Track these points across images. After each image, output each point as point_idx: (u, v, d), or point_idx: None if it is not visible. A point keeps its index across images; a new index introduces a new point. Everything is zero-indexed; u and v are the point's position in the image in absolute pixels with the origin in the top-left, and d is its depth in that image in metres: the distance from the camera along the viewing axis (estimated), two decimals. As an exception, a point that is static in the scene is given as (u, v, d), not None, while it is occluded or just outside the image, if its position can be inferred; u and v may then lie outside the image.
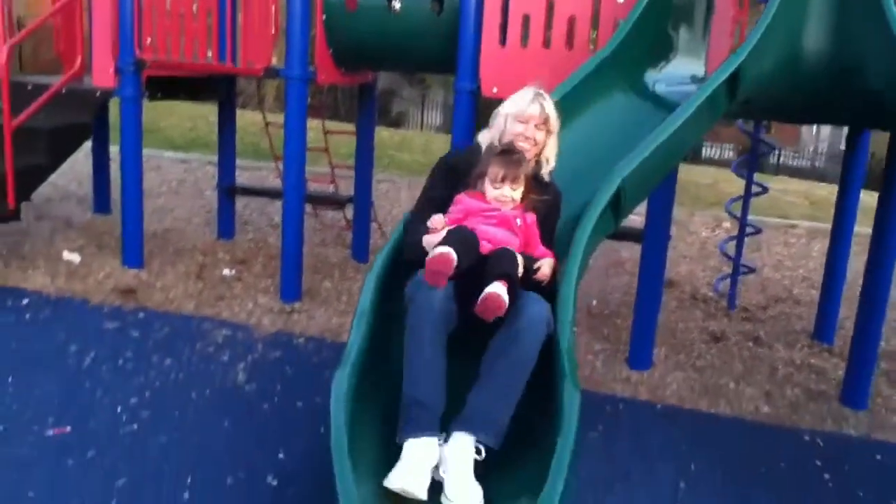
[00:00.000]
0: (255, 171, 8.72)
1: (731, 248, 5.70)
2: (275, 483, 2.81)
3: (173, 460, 2.90)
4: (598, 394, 3.87)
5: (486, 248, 2.48)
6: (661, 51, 3.83)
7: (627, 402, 3.83)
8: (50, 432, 3.01)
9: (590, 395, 3.81)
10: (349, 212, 6.36)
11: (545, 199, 2.72)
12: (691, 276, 6.42)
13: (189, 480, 2.77)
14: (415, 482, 2.14)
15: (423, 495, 2.13)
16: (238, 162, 6.50)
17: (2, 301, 4.36)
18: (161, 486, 2.72)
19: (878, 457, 3.48)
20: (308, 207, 6.53)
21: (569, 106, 3.19)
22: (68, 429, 3.04)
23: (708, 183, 11.40)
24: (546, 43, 4.19)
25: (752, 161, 5.39)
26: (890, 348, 4.95)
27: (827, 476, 3.24)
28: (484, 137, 2.88)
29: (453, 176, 2.79)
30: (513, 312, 2.38)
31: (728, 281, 5.66)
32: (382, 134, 13.33)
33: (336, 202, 6.38)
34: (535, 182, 2.73)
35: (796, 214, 9.74)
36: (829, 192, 10.79)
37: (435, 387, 2.33)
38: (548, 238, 2.74)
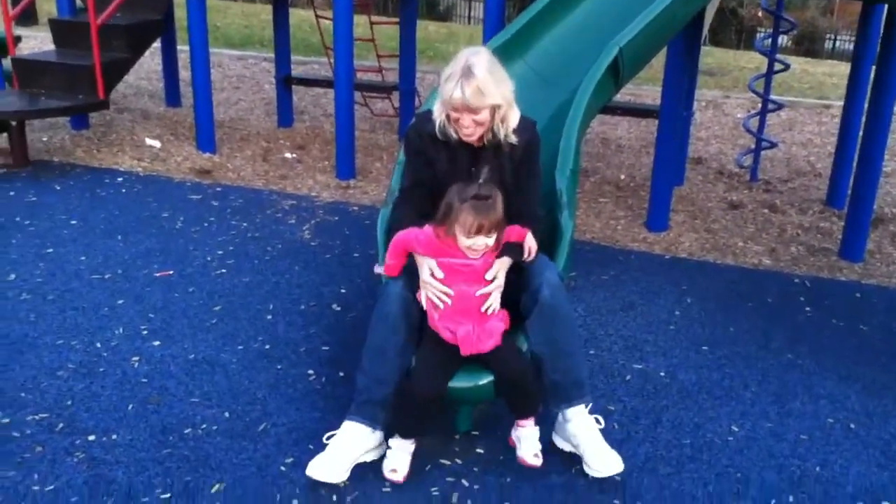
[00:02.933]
0: (308, 66, 9.22)
1: (755, 124, 6.04)
2: (338, 309, 3.49)
3: (256, 293, 3.59)
4: (614, 248, 4.42)
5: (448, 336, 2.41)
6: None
7: (640, 254, 4.37)
8: (157, 274, 3.72)
9: (606, 249, 4.40)
10: (396, 101, 6.86)
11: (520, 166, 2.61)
12: (720, 154, 6.77)
13: (271, 307, 3.47)
14: (335, 472, 2.35)
15: (341, 480, 2.36)
16: (292, 57, 7.01)
17: (101, 179, 5.08)
18: (249, 310, 3.42)
19: (858, 295, 3.98)
20: (359, 98, 7.06)
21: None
22: (171, 272, 3.75)
23: (752, 67, 11.45)
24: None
25: (773, 38, 5.67)
26: (897, 213, 5.34)
27: (808, 309, 3.76)
28: (437, 111, 2.58)
29: (422, 154, 2.65)
30: (528, 284, 2.48)
31: (751, 156, 6.03)
32: (429, 27, 13.59)
33: (383, 89, 6.87)
34: (499, 151, 2.58)
35: (836, 96, 9.84)
36: (874, 73, 10.77)
37: (390, 376, 2.44)
38: (531, 185, 2.66)
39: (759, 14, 15.11)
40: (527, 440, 2.49)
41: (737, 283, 4.04)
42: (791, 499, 2.40)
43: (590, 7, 3.76)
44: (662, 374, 3.09)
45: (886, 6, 4.18)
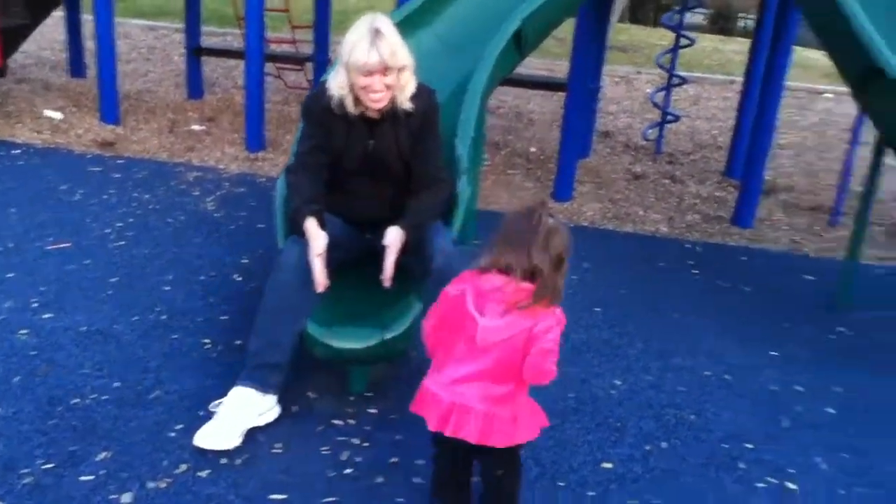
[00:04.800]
0: (222, 37, 9.03)
1: (662, 99, 6.23)
2: (239, 279, 3.48)
3: (156, 264, 3.55)
4: (518, 217, 4.52)
5: None
6: None
7: (543, 222, 4.48)
8: (50, 247, 3.64)
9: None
10: (310, 72, 6.80)
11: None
12: (628, 128, 6.97)
13: (170, 277, 3.44)
14: (224, 439, 2.35)
15: (231, 447, 2.35)
16: (204, 29, 6.86)
17: (-5, 151, 4.91)
18: (146, 282, 3.39)
19: (744, 258, 4.19)
20: (273, 69, 6.97)
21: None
22: (68, 244, 3.67)
23: (665, 44, 11.75)
24: None
25: (681, 15, 5.85)
26: (791, 182, 5.61)
27: (696, 272, 3.95)
28: (333, 85, 2.57)
29: (322, 126, 2.63)
30: (420, 249, 2.53)
31: (656, 129, 6.23)
32: (350, 0, 13.44)
33: (296, 60, 6.81)
34: (396, 122, 2.60)
35: (741, 73, 10.20)
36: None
37: (284, 340, 2.46)
38: (431, 150, 2.67)
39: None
40: None
41: (633, 249, 4.20)
42: (664, 444, 2.55)
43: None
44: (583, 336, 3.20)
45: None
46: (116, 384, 2.66)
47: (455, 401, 1.91)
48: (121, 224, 3.95)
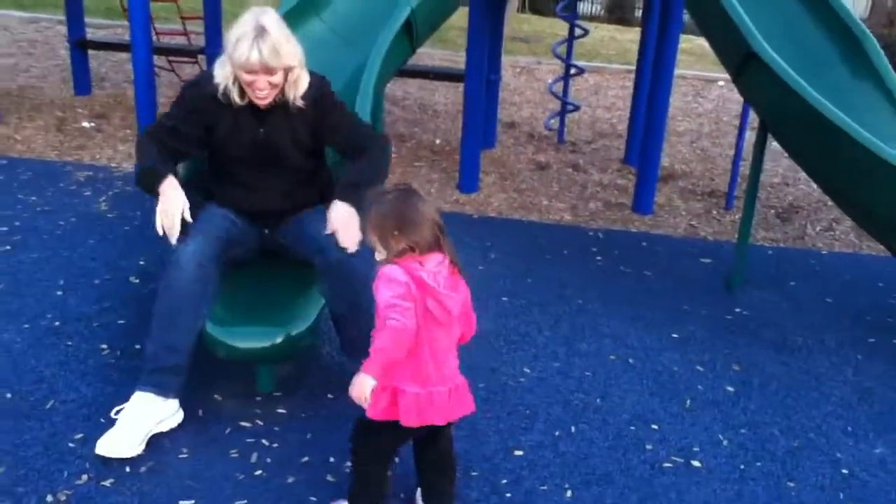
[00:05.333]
0: (111, 30, 8.64)
1: (560, 89, 6.35)
2: (136, 281, 3.35)
3: (46, 269, 3.37)
4: (425, 209, 4.53)
5: None
6: None
7: (450, 214, 4.50)
8: (-72, 254, 3.40)
9: (417, 210, 4.49)
10: (205, 65, 6.59)
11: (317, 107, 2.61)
12: (531, 118, 7.06)
13: (61, 282, 3.27)
14: (127, 446, 2.27)
15: (134, 454, 2.28)
16: (91, 20, 6.55)
17: None
18: (36, 287, 3.21)
19: (644, 244, 4.32)
20: (166, 63, 6.73)
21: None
22: (-55, 251, 3.44)
23: (565, 34, 11.99)
24: None
25: (574, 5, 5.97)
26: (688, 169, 5.82)
27: (599, 258, 4.05)
28: (219, 74, 2.51)
29: (198, 114, 2.57)
30: (317, 240, 2.49)
31: (558, 119, 6.35)
32: (246, -7, 13.12)
33: (188, 53, 6.59)
34: (289, 111, 2.57)
35: (639, 63, 10.52)
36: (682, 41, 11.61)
37: (182, 342, 2.39)
38: (349, 121, 2.70)
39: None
40: None
41: (538, 238, 4.26)
42: (573, 429, 2.61)
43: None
44: (464, 324, 3.22)
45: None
46: (8, 395, 2.53)
47: (452, 387, 1.98)
48: (6, 228, 3.73)
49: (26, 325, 2.94)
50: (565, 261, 3.97)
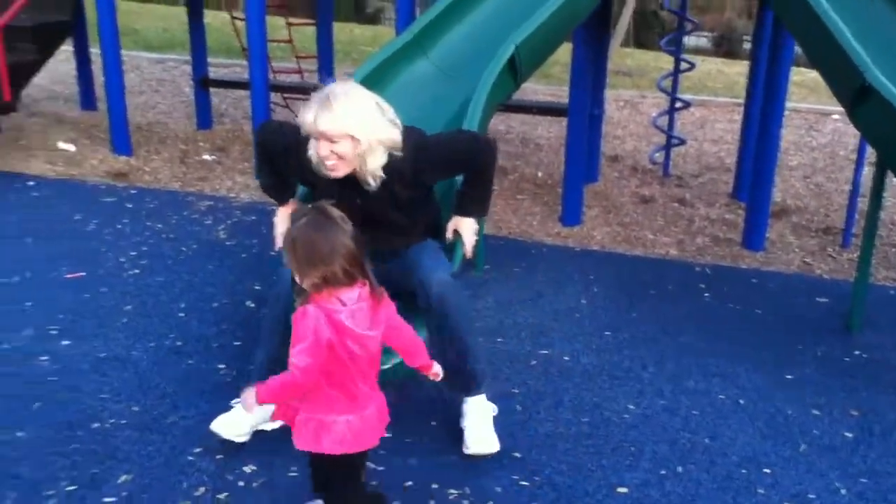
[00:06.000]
0: (230, 68, 9.14)
1: (665, 122, 6.27)
2: (252, 305, 3.52)
3: (169, 291, 3.59)
4: (527, 242, 4.56)
5: None
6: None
7: (552, 247, 4.52)
8: (67, 276, 3.68)
9: (520, 243, 4.53)
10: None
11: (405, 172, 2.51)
12: (635, 151, 7.00)
13: (183, 305, 3.48)
14: (235, 430, 2.52)
15: (240, 439, 2.52)
16: (213, 60, 6.97)
17: (11, 183, 4.98)
18: (161, 309, 3.42)
19: (755, 280, 4.19)
20: (280, 99, 7.06)
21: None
22: (83, 273, 3.71)
23: (669, 68, 11.85)
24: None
25: (678, 38, 5.92)
26: (801, 204, 5.62)
27: (707, 295, 3.95)
28: (312, 146, 2.47)
29: (301, 172, 2.62)
30: (419, 276, 2.52)
31: (663, 152, 6.27)
32: (355, 30, 13.61)
33: (303, 90, 6.89)
34: (386, 180, 2.48)
35: (748, 96, 10.27)
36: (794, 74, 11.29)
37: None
38: (456, 158, 2.63)
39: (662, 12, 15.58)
40: None
41: (642, 272, 4.21)
42: (680, 469, 2.55)
43: (492, 5, 3.89)
44: (566, 358, 3.22)
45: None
46: (135, 409, 2.70)
47: (377, 406, 2.02)
48: (135, 253, 4.00)
49: (152, 344, 3.13)
50: (671, 296, 3.90)
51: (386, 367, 2.45)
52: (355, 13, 18.07)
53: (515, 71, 3.34)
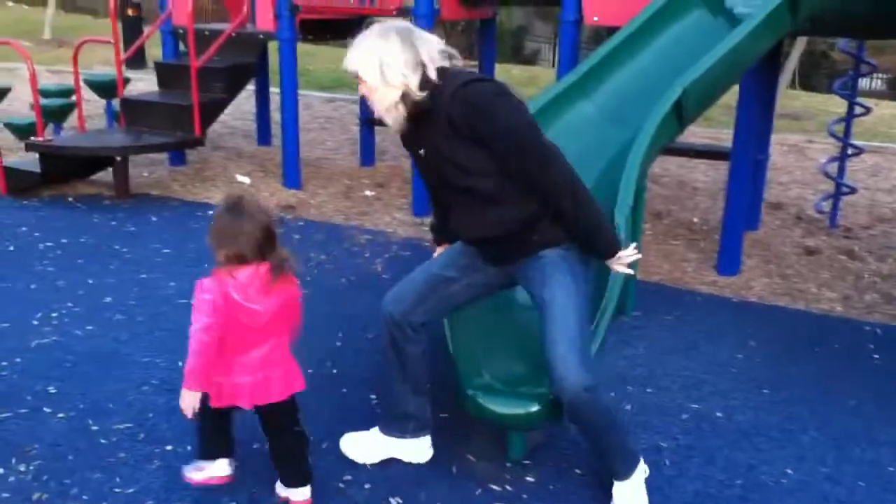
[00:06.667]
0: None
1: (835, 169, 5.94)
2: (404, 339, 3.64)
3: (329, 320, 3.79)
4: (681, 289, 4.44)
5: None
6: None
7: (707, 296, 4.37)
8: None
9: (673, 290, 4.42)
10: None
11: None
12: (800, 199, 6.66)
13: (340, 334, 3.66)
14: (363, 452, 2.70)
15: (366, 462, 2.69)
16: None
17: (193, 212, 5.46)
18: (320, 337, 3.61)
19: (934, 345, 3.87)
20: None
21: (643, 32, 3.70)
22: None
23: (839, 111, 11.20)
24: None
25: (853, 81, 5.61)
26: None
27: (877, 356, 3.68)
28: None
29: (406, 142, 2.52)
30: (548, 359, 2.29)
31: (830, 201, 5.93)
32: (513, 71, 13.86)
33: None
34: (429, 123, 2.30)
35: (931, 142, 9.52)
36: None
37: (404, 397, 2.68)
38: (531, 172, 2.26)
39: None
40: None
41: (805, 328, 3.99)
42: (841, 543, 2.39)
43: (656, 48, 3.88)
44: (719, 414, 3.10)
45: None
46: (293, 432, 2.85)
47: (260, 377, 2.30)
48: (300, 282, 4.24)
49: (310, 370, 3.30)
50: (835, 356, 3.67)
51: (519, 412, 2.48)
52: (513, 54, 18.41)
53: (681, 115, 3.31)
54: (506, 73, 12.68)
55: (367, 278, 4.38)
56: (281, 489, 2.49)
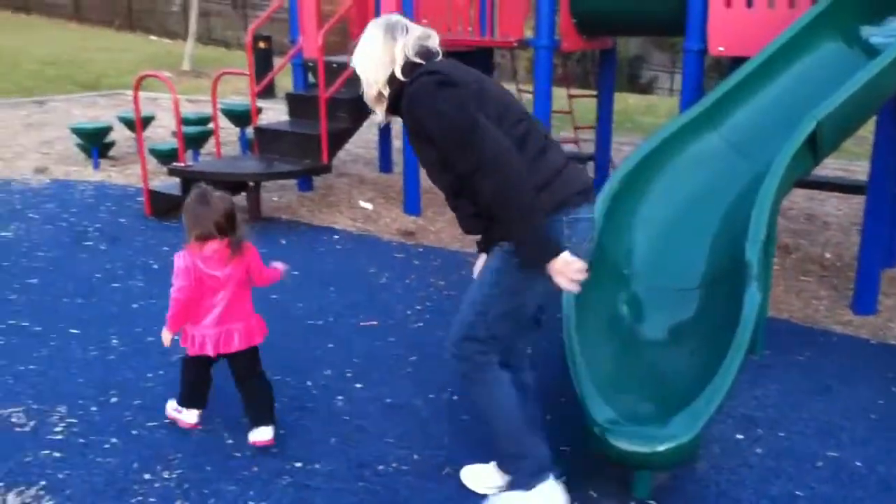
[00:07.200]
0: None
1: None
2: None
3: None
4: (814, 328, 4.24)
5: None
6: (882, 4, 4.02)
7: (842, 336, 4.15)
8: (362, 324, 4.09)
9: (805, 329, 4.23)
10: (591, 172, 7.01)
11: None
12: (946, 235, 6.24)
13: (460, 361, 3.69)
14: (480, 483, 2.71)
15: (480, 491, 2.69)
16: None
17: (319, 236, 5.68)
18: (441, 362, 3.65)
19: None
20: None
21: (773, 62, 3.59)
22: (375, 322, 4.10)
23: None
24: (770, 3, 4.51)
25: None
26: None
27: None
28: None
29: None
30: None
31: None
32: (629, 100, 13.70)
33: (578, 160, 7.06)
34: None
35: None
36: None
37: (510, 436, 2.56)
38: (457, 161, 2.29)
39: None
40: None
41: (954, 375, 3.72)
42: None
43: (786, 80, 3.77)
44: (859, 463, 2.93)
45: None
46: (416, 456, 2.91)
47: (223, 329, 2.89)
48: (420, 307, 4.34)
49: (431, 395, 3.37)
50: None
51: (644, 451, 2.43)
52: (629, 83, 18.20)
53: (815, 148, 3.18)
54: (623, 101, 12.54)
55: (485, 306, 4.40)
56: (251, 435, 2.93)
